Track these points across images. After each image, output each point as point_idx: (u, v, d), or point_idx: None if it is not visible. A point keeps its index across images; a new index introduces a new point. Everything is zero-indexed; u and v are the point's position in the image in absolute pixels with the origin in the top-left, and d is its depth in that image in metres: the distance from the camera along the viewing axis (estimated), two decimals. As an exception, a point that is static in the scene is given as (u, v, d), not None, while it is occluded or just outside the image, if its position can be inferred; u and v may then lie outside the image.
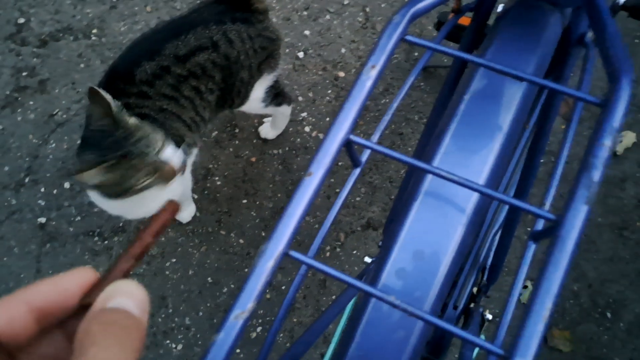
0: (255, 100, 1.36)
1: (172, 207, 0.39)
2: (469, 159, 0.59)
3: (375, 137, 0.62)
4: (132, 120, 1.02)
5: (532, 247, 0.51)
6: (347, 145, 0.50)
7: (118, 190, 1.03)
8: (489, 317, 1.02)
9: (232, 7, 1.22)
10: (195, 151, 1.32)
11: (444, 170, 0.44)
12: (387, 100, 1.72)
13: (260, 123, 1.65)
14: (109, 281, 0.32)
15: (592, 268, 1.49)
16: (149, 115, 1.12)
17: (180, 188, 1.29)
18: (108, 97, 0.97)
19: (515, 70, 0.48)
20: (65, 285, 0.32)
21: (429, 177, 0.57)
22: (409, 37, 0.52)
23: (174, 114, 1.17)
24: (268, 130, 1.62)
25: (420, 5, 0.56)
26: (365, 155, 0.57)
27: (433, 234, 0.54)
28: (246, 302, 0.43)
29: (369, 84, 0.51)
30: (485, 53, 0.66)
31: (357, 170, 0.56)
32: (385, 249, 0.57)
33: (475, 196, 0.56)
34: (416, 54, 1.77)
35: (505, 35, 0.66)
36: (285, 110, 1.52)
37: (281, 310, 0.58)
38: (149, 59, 1.13)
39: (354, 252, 1.56)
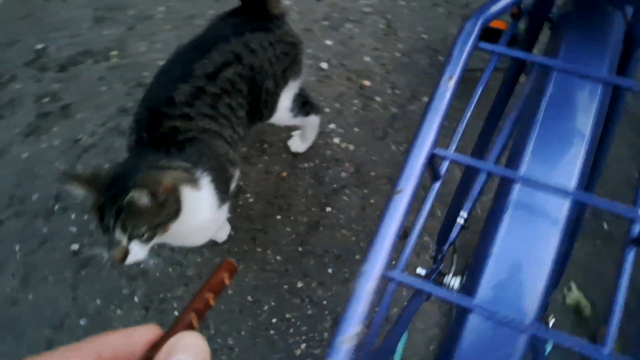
0: (283, 110, 1.41)
1: (229, 267, 0.43)
2: (557, 166, 0.62)
3: (452, 148, 0.66)
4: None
5: (633, 251, 0.52)
6: (430, 159, 0.53)
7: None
8: (552, 322, 1.06)
9: (248, 16, 1.27)
10: (237, 172, 1.36)
11: (536, 180, 0.47)
12: (415, 107, 1.77)
13: (289, 137, 1.69)
14: (172, 336, 0.35)
15: None
16: (194, 138, 1.17)
17: (224, 216, 1.34)
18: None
19: (592, 73, 0.51)
20: (133, 340, 0.34)
21: (517, 186, 0.60)
22: (482, 44, 0.56)
23: (215, 132, 1.22)
24: (298, 144, 1.67)
25: (490, 12, 0.60)
26: (444, 167, 0.60)
27: (529, 246, 0.57)
28: (350, 327, 0.47)
29: (448, 95, 0.54)
30: (557, 57, 0.69)
31: (437, 184, 0.60)
32: (477, 263, 0.60)
33: (567, 204, 0.59)
34: (440, 57, 1.83)
35: (573, 39, 0.70)
36: (313, 121, 1.56)
37: (373, 328, 0.61)
38: (183, 81, 1.18)
39: (393, 262, 1.60)
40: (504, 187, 0.60)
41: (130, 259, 1.04)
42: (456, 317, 0.60)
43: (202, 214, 1.17)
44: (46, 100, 1.74)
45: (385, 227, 0.49)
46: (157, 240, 1.09)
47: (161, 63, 1.76)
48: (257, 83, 1.27)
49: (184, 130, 1.16)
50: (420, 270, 1.26)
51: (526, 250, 0.55)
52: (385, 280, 0.50)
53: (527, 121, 0.64)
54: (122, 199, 0.99)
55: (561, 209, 0.57)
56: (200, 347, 0.34)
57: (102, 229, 1.03)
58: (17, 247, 1.58)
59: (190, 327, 0.37)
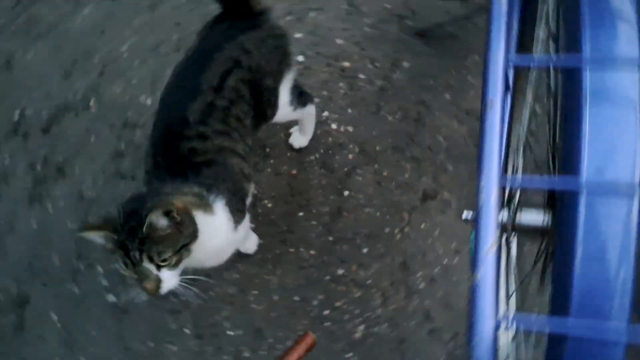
0: (284, 106, 1.42)
1: (309, 341, 0.42)
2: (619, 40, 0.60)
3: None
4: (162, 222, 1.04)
5: None
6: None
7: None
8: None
9: (234, 19, 1.28)
10: (252, 186, 1.37)
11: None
12: (399, 75, 1.80)
13: (288, 135, 1.71)
14: None
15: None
16: (211, 161, 1.18)
17: (244, 230, 1.35)
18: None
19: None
20: None
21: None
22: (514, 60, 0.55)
23: (231, 149, 1.23)
24: (299, 139, 1.68)
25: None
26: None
27: (620, 129, 0.57)
28: (487, 237, 0.49)
29: (495, 118, 0.54)
30: None
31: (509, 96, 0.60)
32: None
33: None
34: (408, 22, 1.87)
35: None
36: (311, 110, 1.58)
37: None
38: (192, 99, 1.19)
39: (422, 225, 1.63)
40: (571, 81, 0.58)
41: (165, 287, 1.05)
42: (558, 263, 0.59)
43: (217, 237, 1.17)
44: (39, 165, 1.72)
45: (489, 137, 0.50)
46: (184, 264, 1.09)
47: (142, 98, 1.77)
48: (258, 83, 1.28)
49: (201, 151, 1.17)
50: (466, 213, 1.28)
51: (618, 133, 0.55)
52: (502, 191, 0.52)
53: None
54: (141, 229, 1.00)
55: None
56: None
57: (129, 265, 1.03)
58: (54, 317, 1.56)
59: None
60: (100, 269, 1.61)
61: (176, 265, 1.06)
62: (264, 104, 1.34)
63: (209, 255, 1.21)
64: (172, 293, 1.53)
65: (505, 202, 1.21)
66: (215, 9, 1.34)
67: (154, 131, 1.22)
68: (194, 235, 1.08)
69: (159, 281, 1.04)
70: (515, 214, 1.08)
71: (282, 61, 1.35)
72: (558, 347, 0.55)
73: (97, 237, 1.06)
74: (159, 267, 1.03)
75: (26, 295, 1.60)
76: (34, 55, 1.84)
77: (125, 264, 1.03)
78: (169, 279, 1.05)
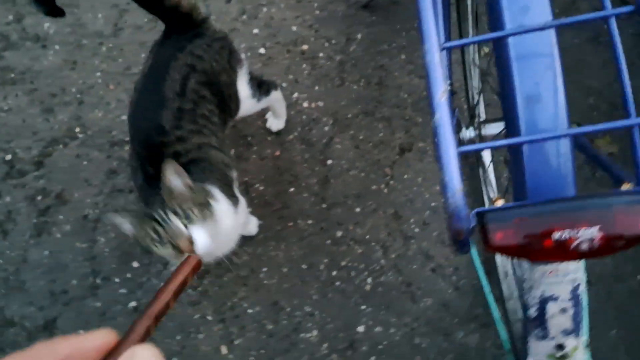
0: (246, 100, 1.46)
1: (193, 262, 0.44)
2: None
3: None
4: (182, 186, 1.09)
5: None
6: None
7: (143, 245, 1.11)
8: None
9: (179, 33, 1.33)
10: (234, 173, 1.42)
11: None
12: (355, 47, 1.88)
13: (265, 121, 1.78)
14: (127, 344, 0.33)
15: None
16: (195, 159, 1.23)
17: (244, 213, 1.41)
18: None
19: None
20: (84, 346, 0.32)
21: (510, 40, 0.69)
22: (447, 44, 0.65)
23: (207, 144, 1.28)
24: (275, 122, 1.75)
25: None
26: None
27: (541, 79, 0.67)
28: (438, 87, 0.57)
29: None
30: None
31: None
32: (508, 110, 0.69)
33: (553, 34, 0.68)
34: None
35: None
36: (276, 95, 1.62)
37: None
38: (162, 107, 1.23)
39: (405, 176, 1.71)
40: (500, 48, 0.69)
41: (199, 244, 1.05)
42: (512, 159, 0.70)
43: (225, 221, 1.20)
44: (39, 198, 1.77)
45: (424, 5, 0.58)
46: (211, 225, 1.12)
47: (123, 117, 1.83)
48: (215, 83, 1.33)
49: (184, 152, 1.21)
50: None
51: (540, 82, 0.66)
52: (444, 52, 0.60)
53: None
54: (163, 203, 1.05)
55: (550, 41, 0.66)
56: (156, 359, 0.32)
57: (160, 234, 1.05)
58: (82, 333, 1.61)
59: (147, 333, 0.35)
60: (116, 279, 1.66)
61: (203, 219, 1.07)
62: (226, 100, 1.37)
63: (222, 242, 1.24)
64: (191, 287, 1.60)
65: (470, 121, 1.30)
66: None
67: (134, 146, 1.26)
68: (206, 201, 1.12)
69: (191, 239, 1.05)
70: (479, 129, 1.17)
71: (230, 59, 1.38)
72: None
73: (124, 222, 1.10)
74: (187, 221, 1.04)
75: (52, 319, 1.64)
76: (13, 100, 1.90)
77: (157, 233, 1.04)
78: (200, 236, 1.05)
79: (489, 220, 0.57)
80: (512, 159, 0.69)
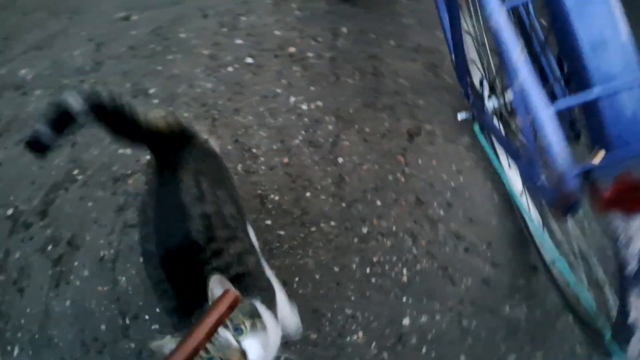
0: None
1: (230, 299, 0.39)
2: None
3: None
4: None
5: None
6: None
7: None
8: None
9: (174, 153, 1.21)
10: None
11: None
12: (343, 42, 1.84)
13: (267, 132, 1.73)
14: None
15: None
16: (239, 275, 1.08)
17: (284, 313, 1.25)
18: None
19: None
20: None
21: None
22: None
23: (245, 250, 1.15)
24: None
25: None
26: None
27: (602, 23, 0.63)
28: (514, 50, 0.53)
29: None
30: None
31: None
32: (573, 63, 0.64)
33: None
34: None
35: None
36: None
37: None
38: (186, 219, 1.10)
39: (419, 161, 1.68)
40: None
41: (253, 356, 0.92)
42: (587, 110, 0.65)
43: (271, 332, 1.05)
44: (50, 248, 1.69)
45: None
46: (263, 335, 0.97)
47: (120, 151, 1.76)
48: (223, 184, 1.25)
49: (224, 268, 1.07)
50: (462, 115, 1.31)
51: (603, 28, 0.61)
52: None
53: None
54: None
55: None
56: None
57: (208, 346, 0.87)
58: (120, 377, 1.55)
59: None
60: (146, 316, 1.59)
61: (254, 332, 0.94)
62: (237, 200, 1.28)
63: (271, 350, 1.06)
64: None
65: (490, 92, 1.27)
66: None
67: (165, 266, 1.10)
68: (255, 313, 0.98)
69: (243, 352, 0.91)
70: (503, 97, 1.14)
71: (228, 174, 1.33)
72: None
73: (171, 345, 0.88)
74: (237, 340, 0.91)
75: (87, 369, 1.57)
76: (3, 152, 1.81)
77: (206, 350, 0.87)
78: (253, 348, 0.93)
79: (599, 177, 0.53)
80: (586, 111, 0.65)
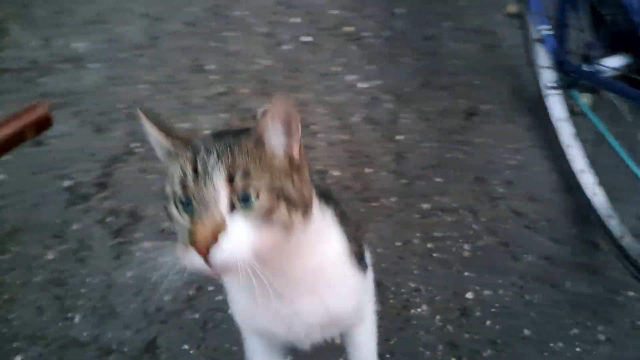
0: None
1: (40, 112, 0.34)
2: None
3: None
4: None
5: None
6: None
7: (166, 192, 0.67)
8: None
9: None
10: None
11: None
12: (399, 22, 1.84)
13: (327, 108, 1.72)
14: None
15: None
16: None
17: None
18: None
19: None
20: None
21: None
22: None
23: None
24: None
25: None
26: None
27: None
28: None
29: None
30: None
31: None
32: None
33: None
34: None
35: None
36: None
37: None
38: None
39: (477, 140, 1.68)
40: None
41: (225, 245, 0.57)
42: None
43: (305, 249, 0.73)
44: (110, 219, 1.68)
45: None
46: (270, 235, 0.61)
47: (179, 124, 1.75)
48: None
49: None
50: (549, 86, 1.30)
51: None
52: None
53: None
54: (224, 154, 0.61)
55: None
56: None
57: (187, 188, 0.60)
58: (186, 347, 1.54)
59: None
60: (210, 287, 1.59)
61: (258, 216, 0.59)
62: None
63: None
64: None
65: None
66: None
67: None
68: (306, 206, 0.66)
69: (219, 228, 0.57)
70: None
71: None
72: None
73: (159, 135, 0.70)
74: (232, 206, 0.59)
75: (151, 339, 1.56)
76: (61, 125, 1.80)
77: (183, 185, 0.60)
78: (236, 236, 0.58)
79: None
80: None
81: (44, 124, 0.30)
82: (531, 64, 1.55)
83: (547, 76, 1.55)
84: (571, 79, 1.25)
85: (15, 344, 1.54)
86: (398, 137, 1.66)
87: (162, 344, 1.52)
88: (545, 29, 1.30)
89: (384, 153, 1.64)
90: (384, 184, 1.63)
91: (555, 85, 1.36)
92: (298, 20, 1.83)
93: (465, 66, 1.73)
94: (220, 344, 1.51)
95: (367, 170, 1.65)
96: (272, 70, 1.74)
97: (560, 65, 1.25)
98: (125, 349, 1.52)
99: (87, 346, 1.52)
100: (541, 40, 1.33)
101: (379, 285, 1.50)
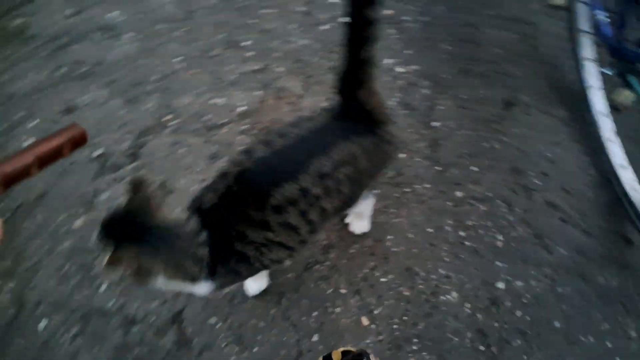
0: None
1: (76, 131, 0.35)
2: None
3: None
4: None
5: None
6: None
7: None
8: None
9: (357, 121, 1.15)
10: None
11: None
12: (439, 10, 1.81)
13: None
14: None
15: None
16: (246, 255, 1.08)
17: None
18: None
19: None
20: None
21: None
22: None
23: (281, 244, 1.11)
24: (359, 224, 1.56)
25: None
26: None
27: None
28: None
29: None
30: None
31: None
32: None
33: None
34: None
35: None
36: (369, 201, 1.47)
37: None
38: (292, 179, 1.05)
39: (514, 130, 1.66)
40: None
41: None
42: None
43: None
44: (140, 190, 1.67)
45: None
46: None
47: (213, 101, 1.74)
48: (361, 184, 1.20)
49: (246, 241, 1.07)
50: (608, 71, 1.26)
51: None
52: None
53: None
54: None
55: None
56: None
57: None
58: (212, 320, 1.53)
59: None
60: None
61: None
62: (353, 202, 1.24)
63: None
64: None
65: None
66: None
67: (223, 193, 1.06)
68: None
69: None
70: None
71: (383, 167, 1.25)
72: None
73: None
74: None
75: (178, 312, 1.55)
76: (91, 94, 1.78)
77: None
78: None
79: None
80: None
81: (79, 142, 0.32)
82: (575, 55, 1.52)
83: (592, 68, 1.53)
84: (628, 65, 1.23)
85: (38, 310, 1.54)
86: (434, 124, 1.64)
87: (187, 317, 1.52)
88: (601, 16, 1.28)
89: (419, 139, 1.62)
90: (417, 170, 1.61)
91: (609, 72, 1.34)
92: (336, 0, 1.80)
93: (504, 55, 1.71)
94: (245, 319, 1.51)
95: (401, 155, 1.63)
96: (309, 49, 1.72)
97: (617, 51, 1.23)
98: (151, 320, 1.52)
99: (112, 315, 1.52)
100: (592, 30, 1.31)
101: (409, 270, 1.49)
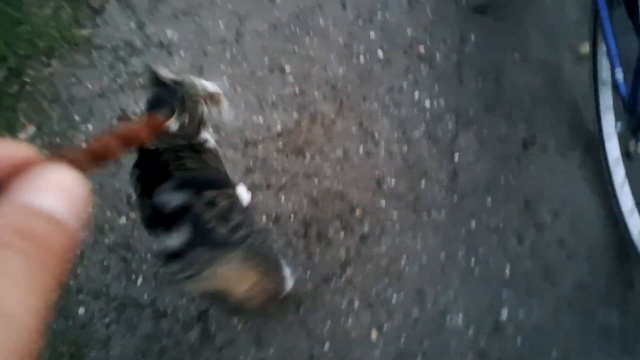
0: None
1: (156, 122, 0.37)
2: None
3: None
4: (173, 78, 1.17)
5: None
6: None
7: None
8: None
9: None
10: None
11: None
12: (469, 48, 1.92)
13: (393, 121, 1.82)
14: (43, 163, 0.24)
15: None
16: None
17: None
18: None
19: None
20: None
21: None
22: None
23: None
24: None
25: None
26: None
27: None
28: None
29: None
30: None
31: None
32: None
33: None
34: (464, 1, 2.00)
35: None
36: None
37: None
38: None
39: (531, 168, 1.75)
40: None
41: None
42: None
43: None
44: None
45: None
46: None
47: (254, 117, 1.88)
48: None
49: None
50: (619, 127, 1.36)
51: None
52: None
53: None
54: None
55: None
56: (79, 188, 0.24)
57: None
58: (234, 321, 1.66)
59: (80, 166, 0.27)
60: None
61: None
62: None
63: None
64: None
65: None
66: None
67: None
68: None
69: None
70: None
71: None
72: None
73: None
74: None
75: (205, 310, 1.69)
76: (143, 105, 1.95)
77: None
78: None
79: None
80: None
81: (158, 130, 0.37)
82: (595, 104, 1.61)
83: (610, 117, 1.61)
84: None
85: (80, 297, 1.69)
86: (455, 156, 1.74)
87: (213, 316, 1.65)
88: (620, 72, 1.37)
89: (440, 168, 1.73)
90: (436, 197, 1.72)
91: (623, 127, 1.43)
92: (374, 35, 1.94)
93: (528, 97, 1.81)
94: (264, 322, 1.63)
95: (421, 181, 1.74)
96: (345, 78, 1.85)
97: (631, 108, 1.32)
98: (180, 315, 1.65)
99: (145, 307, 1.66)
100: (614, 83, 1.40)
101: (419, 291, 1.59)
